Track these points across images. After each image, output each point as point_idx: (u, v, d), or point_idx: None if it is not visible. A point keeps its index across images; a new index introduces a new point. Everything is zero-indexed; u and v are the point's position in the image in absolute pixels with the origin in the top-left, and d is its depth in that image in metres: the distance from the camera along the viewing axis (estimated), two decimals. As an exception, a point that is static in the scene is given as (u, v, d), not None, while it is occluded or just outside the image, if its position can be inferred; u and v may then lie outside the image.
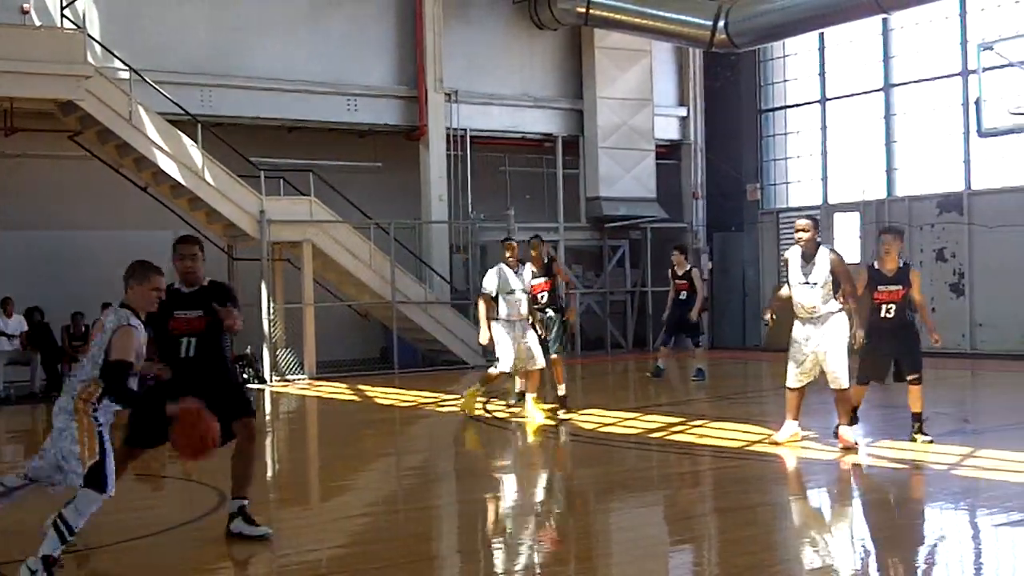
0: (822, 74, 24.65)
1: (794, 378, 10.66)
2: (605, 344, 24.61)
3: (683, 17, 21.34)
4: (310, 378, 19.49)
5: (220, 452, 7.05)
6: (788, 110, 25.59)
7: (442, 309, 21.43)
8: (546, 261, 14.20)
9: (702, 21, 20.93)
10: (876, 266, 10.78)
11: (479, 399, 14.00)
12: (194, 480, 10.04)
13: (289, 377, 19.41)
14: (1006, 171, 21.20)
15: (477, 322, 13.79)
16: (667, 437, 11.89)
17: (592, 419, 13.23)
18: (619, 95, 24.36)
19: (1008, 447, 10.37)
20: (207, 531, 8.13)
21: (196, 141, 18.93)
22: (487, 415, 14.26)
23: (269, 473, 11.63)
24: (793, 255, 10.62)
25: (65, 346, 18.24)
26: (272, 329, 19.46)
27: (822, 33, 23.43)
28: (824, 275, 10.35)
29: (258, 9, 21.21)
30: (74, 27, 18.26)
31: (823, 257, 10.42)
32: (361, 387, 18.20)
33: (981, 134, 19.85)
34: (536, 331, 13.49)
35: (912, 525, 8.18)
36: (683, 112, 25.91)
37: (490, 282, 13.20)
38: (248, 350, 19.59)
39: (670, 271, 17.83)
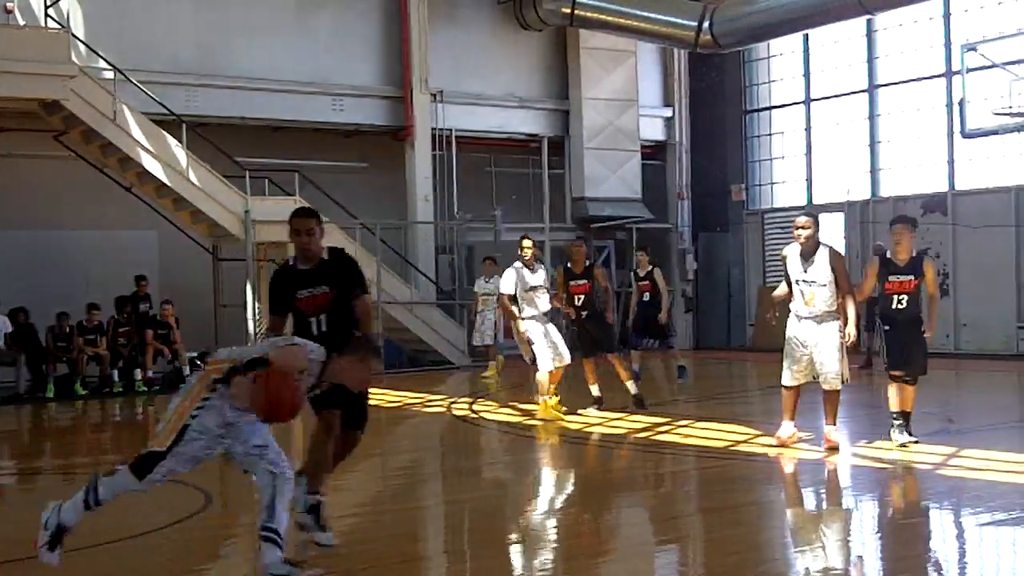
0: (807, 75, 24.72)
1: (790, 376, 10.51)
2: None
3: (668, 18, 21.39)
4: (295, 378, 19.41)
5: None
6: (773, 111, 25.66)
7: (428, 309, 21.42)
8: (587, 264, 13.94)
9: (687, 22, 20.98)
10: (889, 256, 10.62)
11: (555, 400, 13.68)
12: (180, 481, 10.01)
13: (274, 377, 19.32)
14: (990, 172, 21.30)
15: (463, 323, 13.76)
16: (652, 437, 11.91)
17: (578, 419, 13.22)
18: (604, 96, 24.39)
19: (992, 447, 10.41)
20: (193, 532, 8.12)
21: (181, 141, 18.87)
22: (473, 415, 14.27)
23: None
24: (792, 252, 10.51)
25: (50, 347, 18.16)
26: (257, 329, 19.40)
27: (807, 34, 23.49)
28: (826, 273, 10.25)
29: (243, 9, 21.16)
30: (58, 27, 18.19)
31: (823, 255, 10.34)
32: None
33: (965, 135, 19.96)
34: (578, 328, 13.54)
35: (897, 525, 8.21)
36: (668, 113, 25.95)
37: (508, 282, 13.14)
38: (233, 351, 19.52)
39: (632, 273, 17.54)
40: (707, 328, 25.95)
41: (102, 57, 18.81)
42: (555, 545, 7.76)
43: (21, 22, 18.32)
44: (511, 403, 15.10)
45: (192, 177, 18.93)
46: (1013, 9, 20.92)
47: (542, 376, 13.12)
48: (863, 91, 23.54)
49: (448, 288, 22.38)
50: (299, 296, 7.18)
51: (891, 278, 10.48)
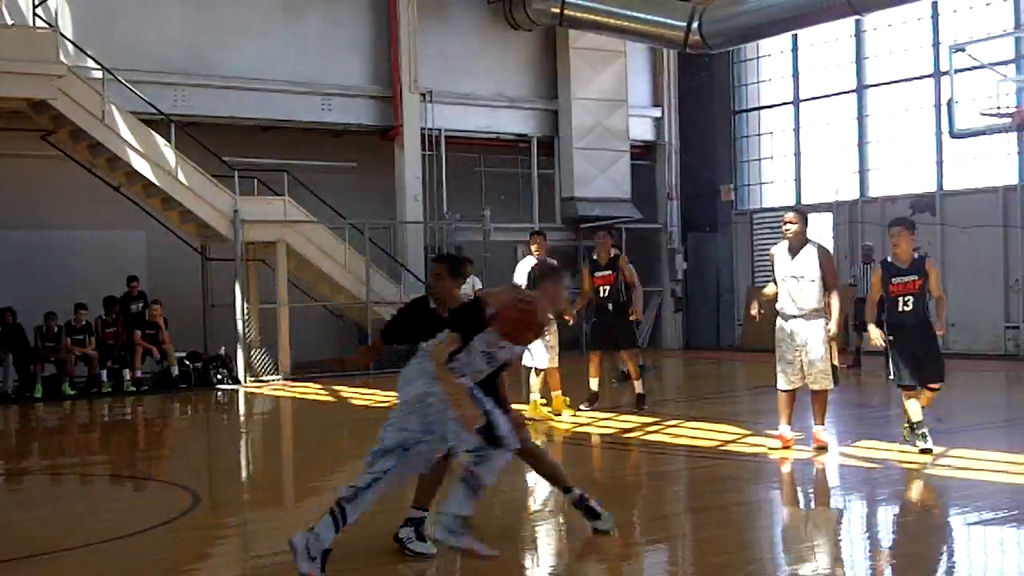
0: (795, 75, 24.76)
1: (785, 381, 10.43)
2: (580, 345, 24.59)
3: (657, 18, 21.38)
4: (284, 379, 19.42)
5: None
6: (762, 111, 25.70)
7: (417, 309, 21.35)
8: (613, 256, 13.90)
9: (676, 22, 20.98)
10: (890, 259, 10.45)
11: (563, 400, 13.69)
12: (168, 482, 10.01)
13: (264, 378, 19.33)
14: (978, 172, 21.36)
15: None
16: (642, 437, 11.92)
17: (567, 420, 13.23)
18: (594, 96, 24.39)
19: (980, 447, 10.43)
20: (183, 532, 8.11)
21: (169, 141, 18.83)
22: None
23: (244, 474, 11.61)
24: (779, 250, 10.52)
25: (38, 347, 18.11)
26: (246, 329, 19.38)
27: (795, 35, 23.53)
28: (813, 269, 10.23)
29: (232, 8, 21.12)
30: (46, 26, 18.14)
31: (811, 250, 10.34)
32: (336, 388, 18.16)
33: (953, 135, 19.99)
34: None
35: (885, 524, 8.23)
36: (657, 113, 25.96)
37: (521, 273, 13.15)
38: (222, 351, 19.52)
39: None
40: (696, 328, 25.98)
41: (90, 56, 18.76)
42: (543, 545, 7.77)
43: (9, 21, 18.25)
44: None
45: (181, 177, 18.89)
46: (1001, 10, 20.99)
47: (542, 368, 13.14)
48: (852, 91, 23.58)
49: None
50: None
51: (894, 280, 10.28)
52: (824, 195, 23.89)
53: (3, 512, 7.22)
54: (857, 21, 22.04)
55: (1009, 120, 18.86)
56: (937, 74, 21.63)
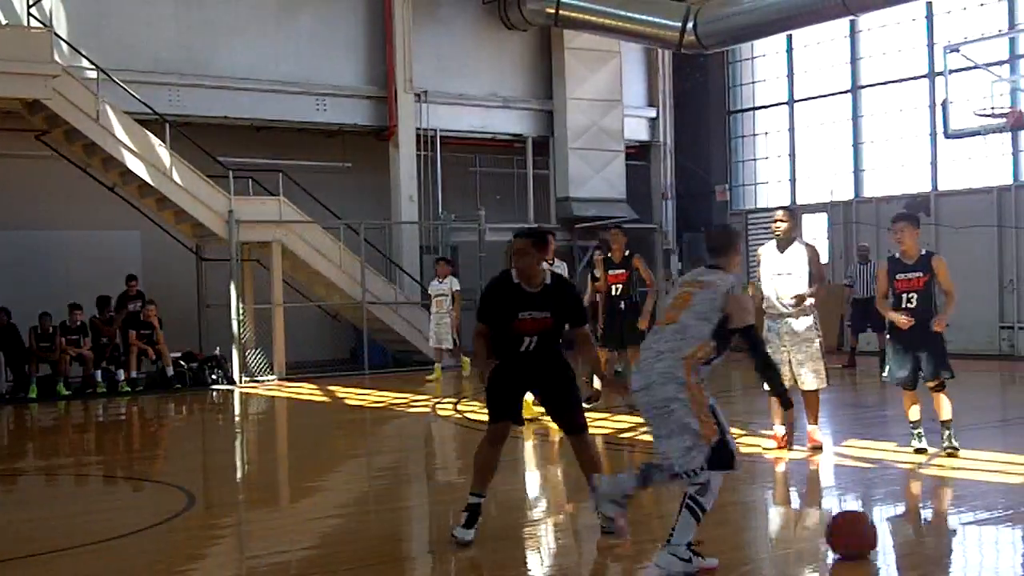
0: (790, 76, 24.80)
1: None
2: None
3: (652, 18, 21.40)
4: (280, 379, 19.41)
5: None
6: (756, 111, 25.73)
7: (412, 310, 21.40)
8: (627, 254, 13.78)
9: (671, 22, 21.01)
10: (896, 256, 10.24)
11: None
12: (163, 482, 10.00)
13: (259, 378, 19.32)
14: (972, 172, 21.39)
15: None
16: (637, 437, 11.92)
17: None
18: (589, 96, 24.41)
19: (975, 447, 10.44)
20: (177, 533, 8.11)
21: (164, 141, 18.82)
22: (458, 415, 14.27)
23: (239, 474, 11.61)
24: (766, 249, 10.54)
25: (32, 347, 18.08)
26: (241, 330, 19.37)
27: (790, 35, 23.57)
28: (801, 265, 10.24)
29: (226, 8, 21.11)
30: (41, 26, 18.13)
31: (798, 247, 10.38)
32: (331, 388, 18.15)
33: (948, 135, 20.02)
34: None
35: (881, 524, 8.23)
36: (652, 113, 25.99)
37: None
38: (217, 351, 19.51)
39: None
40: (691, 328, 25.95)
41: (85, 56, 18.74)
42: (537, 544, 7.77)
43: (3, 21, 18.25)
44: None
45: (175, 177, 18.87)
46: (995, 10, 21.03)
47: None
48: (846, 92, 23.62)
49: (432, 288, 22.37)
50: (520, 317, 7.43)
51: (899, 276, 10.12)
52: (819, 195, 23.93)
53: (28, 511, 7.23)
54: (852, 21, 22.09)
55: (1003, 120, 18.90)
56: (932, 74, 21.67)
